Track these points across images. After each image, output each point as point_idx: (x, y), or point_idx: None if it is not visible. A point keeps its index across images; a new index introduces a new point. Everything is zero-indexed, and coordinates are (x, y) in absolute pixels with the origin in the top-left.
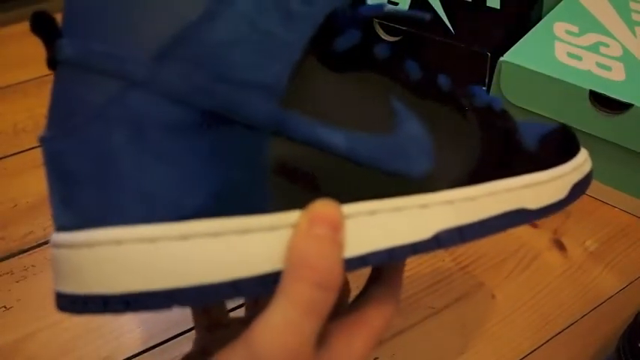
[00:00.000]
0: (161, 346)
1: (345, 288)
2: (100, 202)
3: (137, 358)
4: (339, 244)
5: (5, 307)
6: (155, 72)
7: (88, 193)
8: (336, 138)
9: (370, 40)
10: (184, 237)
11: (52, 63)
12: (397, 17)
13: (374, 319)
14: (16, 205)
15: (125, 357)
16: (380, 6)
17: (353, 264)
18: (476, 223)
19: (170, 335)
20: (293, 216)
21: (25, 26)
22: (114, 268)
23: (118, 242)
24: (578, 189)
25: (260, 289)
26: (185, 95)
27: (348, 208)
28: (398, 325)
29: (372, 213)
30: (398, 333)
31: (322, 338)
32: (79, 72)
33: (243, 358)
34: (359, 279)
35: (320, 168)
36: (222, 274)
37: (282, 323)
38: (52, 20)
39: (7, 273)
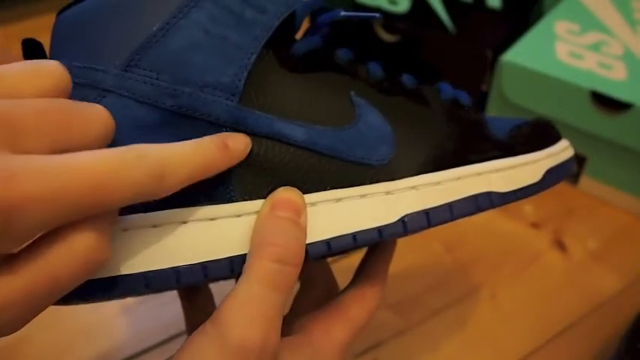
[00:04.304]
0: (160, 347)
1: (332, 286)
2: None
3: (136, 358)
4: (299, 225)
5: None
6: (124, 79)
7: None
8: (295, 131)
9: (332, 45)
10: (154, 225)
11: None
12: (353, 20)
13: (354, 311)
14: None
15: (124, 357)
16: (337, 12)
17: (318, 248)
18: (442, 206)
19: (168, 335)
20: (257, 203)
21: (24, 25)
22: None
23: None
24: (554, 174)
25: (228, 272)
26: (151, 97)
27: (314, 197)
28: (398, 325)
29: (338, 200)
30: (398, 333)
31: (303, 325)
32: None
33: (212, 334)
34: (346, 278)
35: (282, 160)
36: (191, 257)
37: (246, 297)
38: (40, 45)
39: None
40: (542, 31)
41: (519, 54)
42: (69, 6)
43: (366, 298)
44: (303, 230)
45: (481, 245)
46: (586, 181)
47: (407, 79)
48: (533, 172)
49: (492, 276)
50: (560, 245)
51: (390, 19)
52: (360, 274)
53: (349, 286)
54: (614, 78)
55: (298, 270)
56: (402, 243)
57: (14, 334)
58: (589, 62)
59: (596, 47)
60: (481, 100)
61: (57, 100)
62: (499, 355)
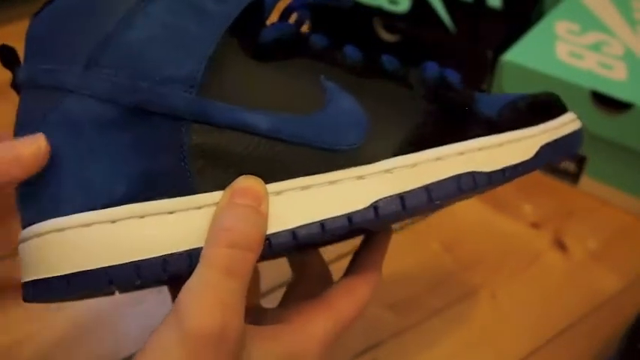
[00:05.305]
0: None
1: (326, 280)
2: (49, 197)
3: None
4: (259, 212)
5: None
6: (84, 78)
7: (38, 190)
8: (258, 120)
9: (306, 32)
10: (113, 220)
11: (16, 87)
12: (322, 5)
13: (341, 304)
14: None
15: (123, 357)
16: None
17: (283, 238)
18: (419, 189)
19: None
20: (219, 194)
21: (24, 25)
22: (57, 253)
23: (60, 229)
24: (553, 150)
25: (187, 265)
26: (111, 94)
27: (279, 185)
28: (397, 325)
29: (305, 188)
30: (397, 333)
31: (286, 316)
32: (30, 90)
33: (172, 322)
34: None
35: (246, 150)
36: (150, 251)
37: (201, 284)
38: (13, 51)
39: None
40: (542, 31)
41: (520, 54)
42: (40, 10)
43: (356, 291)
44: (263, 217)
45: (481, 245)
46: (586, 181)
47: (388, 61)
48: (525, 148)
49: (492, 276)
50: (560, 245)
51: (390, 19)
52: (352, 267)
53: (340, 278)
54: (614, 78)
55: (255, 256)
56: (401, 243)
57: (16, 333)
58: (589, 62)
59: (596, 47)
60: None
61: None
62: (499, 355)
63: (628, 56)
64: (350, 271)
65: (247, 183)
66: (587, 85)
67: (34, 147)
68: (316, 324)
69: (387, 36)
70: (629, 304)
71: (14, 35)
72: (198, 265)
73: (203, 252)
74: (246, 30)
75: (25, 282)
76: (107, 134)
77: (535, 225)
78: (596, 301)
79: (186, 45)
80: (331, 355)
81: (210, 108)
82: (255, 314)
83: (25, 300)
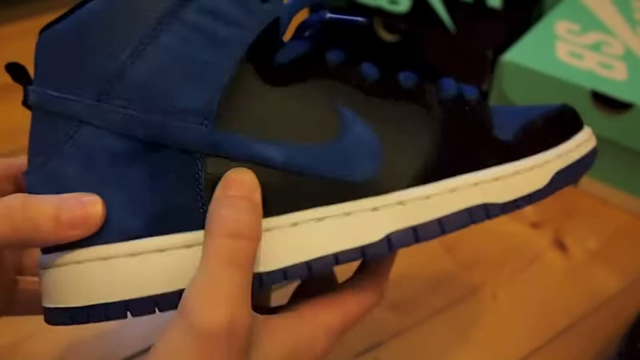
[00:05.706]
0: None
1: (331, 278)
2: None
3: (137, 357)
4: (253, 200)
5: None
6: (97, 110)
7: None
8: (272, 152)
9: (322, 47)
10: (133, 254)
11: (27, 106)
12: (339, 23)
13: (349, 302)
14: None
15: (124, 356)
16: (323, 14)
17: (299, 270)
18: (432, 222)
19: None
20: None
21: (24, 25)
22: (77, 285)
23: (79, 262)
24: (564, 176)
25: None
26: (123, 128)
27: (295, 217)
28: (398, 325)
29: (320, 219)
30: (398, 333)
31: (294, 308)
32: (41, 114)
33: (179, 323)
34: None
35: (261, 183)
36: (169, 285)
37: (204, 279)
38: (23, 68)
39: None
40: (542, 31)
41: (520, 54)
42: (51, 24)
43: (364, 294)
44: (257, 205)
45: (481, 245)
46: (586, 181)
47: (405, 78)
48: (539, 176)
49: (492, 276)
50: (561, 245)
51: (390, 19)
52: (362, 270)
53: (349, 279)
54: (614, 78)
55: (255, 244)
56: None
57: (16, 333)
58: (589, 62)
59: (596, 47)
60: None
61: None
62: (499, 355)
63: (628, 56)
64: (360, 272)
65: (237, 175)
66: (587, 85)
67: (98, 207)
68: (325, 315)
69: (387, 36)
70: (629, 304)
71: (14, 35)
72: (201, 260)
73: (204, 246)
74: (261, 52)
75: (47, 307)
76: (121, 167)
77: (535, 225)
78: (596, 301)
79: (199, 75)
80: (333, 354)
81: (224, 141)
82: (263, 313)
83: (47, 323)
